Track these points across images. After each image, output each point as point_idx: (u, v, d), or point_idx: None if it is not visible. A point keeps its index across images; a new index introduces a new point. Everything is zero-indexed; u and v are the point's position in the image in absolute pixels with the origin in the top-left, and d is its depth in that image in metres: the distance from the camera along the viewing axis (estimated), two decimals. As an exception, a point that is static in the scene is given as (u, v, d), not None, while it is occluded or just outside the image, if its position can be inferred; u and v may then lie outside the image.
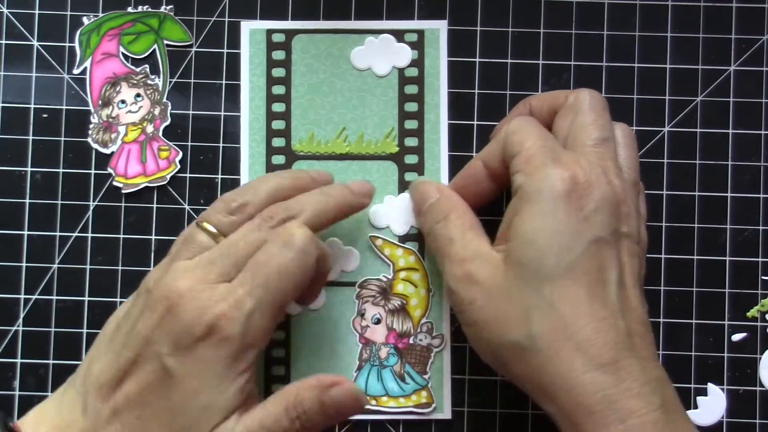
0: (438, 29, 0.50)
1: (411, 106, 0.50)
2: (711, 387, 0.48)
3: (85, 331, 0.49)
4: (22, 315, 0.49)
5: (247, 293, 0.39)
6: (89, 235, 0.49)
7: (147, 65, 0.50)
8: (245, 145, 0.49)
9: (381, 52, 0.50)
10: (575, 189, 0.39)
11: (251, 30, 0.50)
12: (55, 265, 0.49)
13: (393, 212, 0.49)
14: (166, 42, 0.50)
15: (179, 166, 0.49)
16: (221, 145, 0.50)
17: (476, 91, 0.50)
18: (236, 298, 0.39)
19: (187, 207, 0.49)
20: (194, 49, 0.50)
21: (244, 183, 0.49)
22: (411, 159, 0.49)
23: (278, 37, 0.50)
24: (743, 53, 0.50)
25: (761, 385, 0.48)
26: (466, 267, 0.41)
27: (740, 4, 0.50)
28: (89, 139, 0.49)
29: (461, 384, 0.49)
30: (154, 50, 0.50)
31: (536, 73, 0.50)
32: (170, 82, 0.50)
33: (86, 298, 0.49)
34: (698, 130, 0.49)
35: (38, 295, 0.49)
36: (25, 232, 0.49)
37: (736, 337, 0.49)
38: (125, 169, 0.49)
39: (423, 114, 0.49)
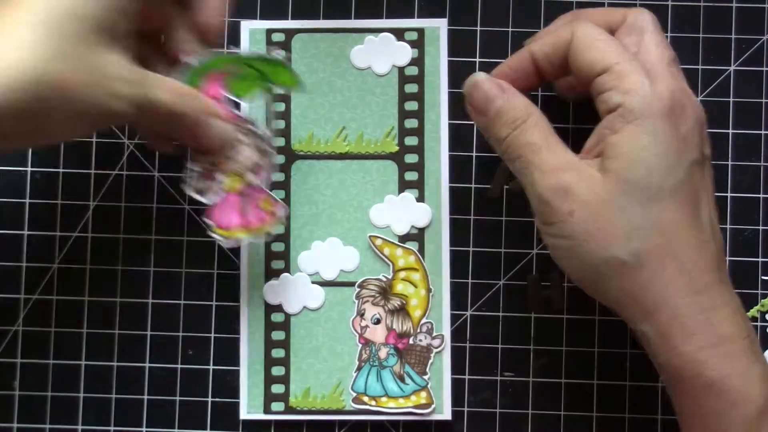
0: (438, 27, 0.50)
1: (411, 105, 0.49)
2: (711, 387, 0.48)
3: (85, 331, 0.49)
4: (22, 315, 0.49)
5: None
6: (89, 235, 0.49)
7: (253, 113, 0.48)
8: None
9: (381, 51, 0.50)
10: (674, 108, 0.39)
11: (251, 30, 0.50)
12: (55, 265, 0.49)
13: (393, 212, 0.49)
14: (275, 88, 0.46)
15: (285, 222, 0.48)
16: (221, 145, 0.49)
17: (476, 91, 0.50)
18: None
19: (187, 207, 0.49)
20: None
21: None
22: (411, 158, 0.49)
23: (278, 37, 0.50)
24: (743, 53, 0.50)
25: (761, 385, 0.48)
26: (561, 176, 0.39)
27: (740, 4, 0.50)
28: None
29: (461, 384, 0.49)
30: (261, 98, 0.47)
31: (536, 73, 0.50)
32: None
33: (86, 298, 0.49)
34: (698, 130, 0.49)
35: (38, 295, 0.49)
36: (25, 232, 0.49)
37: (736, 337, 0.49)
38: (225, 220, 0.45)
39: (423, 113, 0.49)
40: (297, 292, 0.49)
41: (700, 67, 0.50)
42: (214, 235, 0.45)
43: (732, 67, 0.50)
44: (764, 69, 0.50)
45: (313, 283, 0.49)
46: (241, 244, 0.46)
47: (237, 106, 0.47)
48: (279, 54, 0.45)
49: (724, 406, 0.38)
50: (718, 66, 0.50)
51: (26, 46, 0.36)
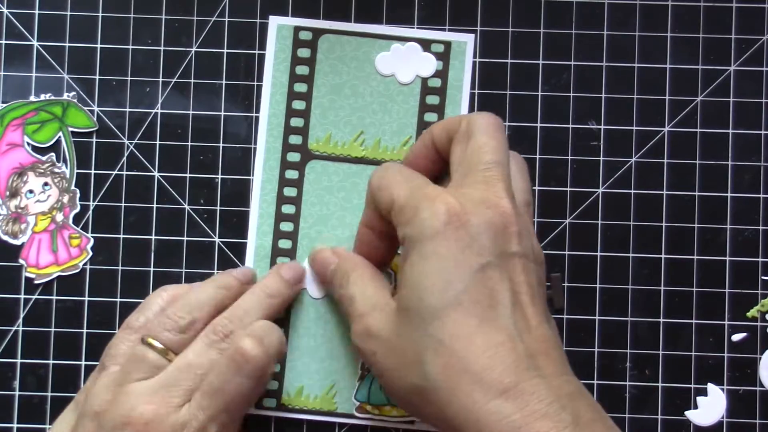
0: (465, 42, 0.50)
1: (431, 117, 0.49)
2: (711, 387, 0.48)
3: (85, 331, 0.49)
4: (22, 315, 0.49)
5: (209, 418, 0.41)
6: (89, 235, 0.49)
7: (53, 153, 0.49)
8: (262, 140, 0.49)
9: (406, 60, 0.50)
10: (451, 221, 0.38)
11: (279, 25, 0.50)
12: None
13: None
14: (70, 129, 0.49)
15: (91, 253, 0.49)
16: (221, 145, 0.50)
17: (476, 91, 0.50)
18: (200, 423, 0.41)
19: (187, 207, 0.49)
20: (194, 49, 0.50)
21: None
22: None
23: (305, 35, 0.50)
24: (743, 53, 0.50)
25: (761, 385, 0.48)
26: (365, 321, 0.42)
27: (740, 4, 0.50)
28: (-1, 231, 0.49)
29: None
30: (60, 138, 0.49)
31: (536, 73, 0.50)
32: (77, 169, 0.49)
33: (86, 298, 0.49)
34: (698, 130, 0.49)
35: (38, 295, 0.49)
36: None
37: (736, 337, 0.49)
38: (36, 259, 0.49)
39: None
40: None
41: (700, 67, 0.50)
42: (28, 274, 0.48)
43: (732, 67, 0.50)
44: (764, 69, 0.50)
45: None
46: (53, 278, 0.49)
47: (37, 149, 0.49)
48: (68, 95, 0.48)
49: None
50: (718, 66, 0.50)
51: None
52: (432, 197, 0.39)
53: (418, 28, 0.50)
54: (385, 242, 0.45)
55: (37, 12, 0.50)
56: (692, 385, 0.49)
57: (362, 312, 0.42)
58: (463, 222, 0.38)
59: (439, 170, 0.45)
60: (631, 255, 0.49)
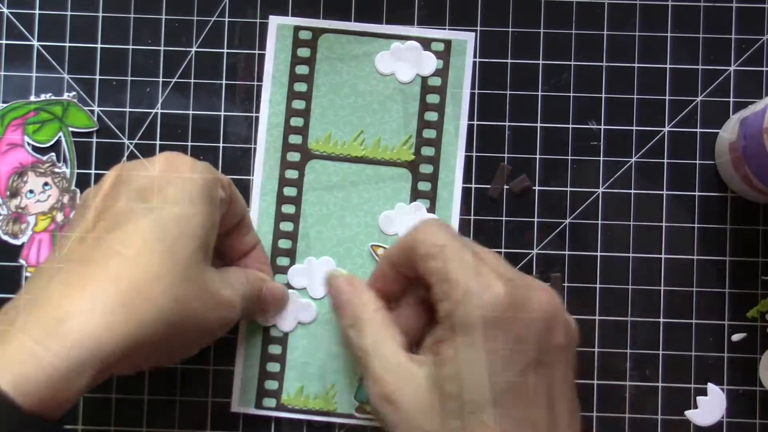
0: (465, 41, 0.50)
1: (431, 116, 0.49)
2: (711, 387, 0.48)
3: (85, 331, 0.49)
4: (22, 315, 0.49)
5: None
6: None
7: (53, 153, 0.49)
8: (262, 140, 0.49)
9: (406, 59, 0.49)
10: (505, 313, 0.38)
11: (279, 25, 0.50)
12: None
13: (403, 220, 0.49)
14: (71, 129, 0.49)
15: None
16: (221, 145, 0.50)
17: (476, 91, 0.50)
18: None
19: (187, 207, 0.49)
20: (194, 49, 0.50)
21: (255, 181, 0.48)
22: (426, 168, 0.49)
23: (305, 35, 0.50)
24: (743, 53, 0.50)
25: (761, 385, 0.48)
26: (387, 387, 0.39)
27: (740, 4, 0.50)
28: (-1, 230, 0.49)
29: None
30: (60, 138, 0.49)
31: (536, 73, 0.50)
32: (77, 169, 0.49)
33: (86, 298, 0.49)
34: (698, 130, 0.49)
35: (38, 295, 0.49)
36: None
37: (736, 337, 0.49)
38: (37, 259, 0.49)
39: (442, 124, 0.49)
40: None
41: (700, 67, 0.50)
42: (28, 274, 0.48)
43: (732, 67, 0.50)
44: (764, 69, 0.50)
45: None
46: None
47: (37, 149, 0.49)
48: (68, 95, 0.49)
49: None
50: (718, 66, 0.50)
51: (156, 276, 0.37)
52: (488, 282, 0.38)
53: (418, 27, 0.50)
54: (403, 283, 0.44)
55: (37, 12, 0.50)
56: (692, 385, 0.49)
57: (380, 374, 0.40)
58: (517, 314, 0.38)
59: (401, 289, 0.44)
60: (631, 255, 0.49)
